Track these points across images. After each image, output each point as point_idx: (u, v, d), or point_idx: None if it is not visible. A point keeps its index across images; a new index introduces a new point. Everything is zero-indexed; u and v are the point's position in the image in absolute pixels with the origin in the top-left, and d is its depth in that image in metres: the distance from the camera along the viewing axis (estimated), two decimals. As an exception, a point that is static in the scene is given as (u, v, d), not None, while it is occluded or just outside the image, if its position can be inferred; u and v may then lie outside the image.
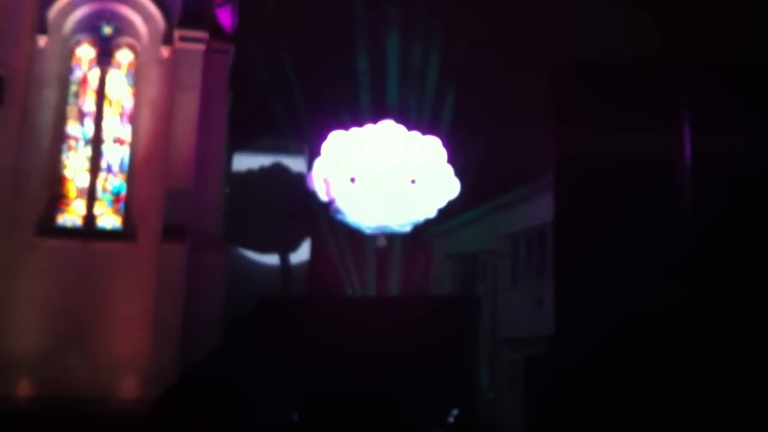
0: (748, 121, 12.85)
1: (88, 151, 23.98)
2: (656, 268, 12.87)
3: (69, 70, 24.20)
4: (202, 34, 24.27)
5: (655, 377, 12.73)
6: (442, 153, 24.59)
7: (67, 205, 23.73)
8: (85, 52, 24.41)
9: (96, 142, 23.96)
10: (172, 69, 24.15)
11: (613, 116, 12.90)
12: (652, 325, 12.95)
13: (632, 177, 12.93)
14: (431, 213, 24.99)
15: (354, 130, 24.59)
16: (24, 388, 21.68)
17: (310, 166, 25.80)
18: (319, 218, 27.11)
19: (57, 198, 23.58)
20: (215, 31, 24.86)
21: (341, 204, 24.39)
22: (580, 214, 13.16)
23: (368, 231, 25.53)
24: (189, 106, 23.88)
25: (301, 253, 32.24)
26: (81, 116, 24.22)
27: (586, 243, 13.15)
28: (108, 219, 23.76)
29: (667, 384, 12.73)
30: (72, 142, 24.05)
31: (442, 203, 24.89)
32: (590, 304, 13.17)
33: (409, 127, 24.77)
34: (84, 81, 24.36)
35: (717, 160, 12.76)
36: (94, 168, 23.85)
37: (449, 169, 24.65)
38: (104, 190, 23.94)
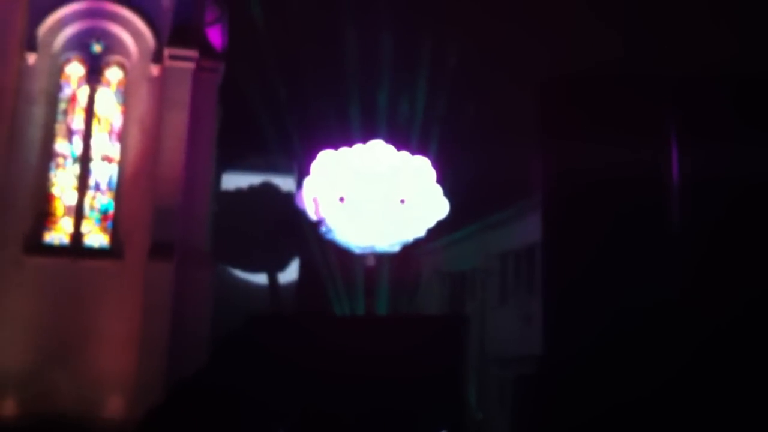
0: (735, 133, 12.94)
1: (76, 168, 23.92)
2: (646, 280, 12.90)
3: (58, 88, 24.16)
4: (191, 53, 24.25)
5: (642, 397, 12.73)
6: (432, 173, 24.59)
7: (55, 222, 23.60)
8: (75, 69, 24.39)
9: (84, 159, 23.89)
10: (161, 87, 24.12)
11: (602, 130, 12.97)
12: (641, 342, 12.94)
13: (622, 191, 12.97)
14: (420, 233, 24.94)
15: (343, 149, 24.55)
16: (9, 407, 21.43)
17: (299, 185, 25.72)
18: (308, 237, 27.04)
19: (44, 216, 23.45)
20: (205, 49, 24.93)
21: (330, 223, 24.31)
22: (572, 228, 13.18)
23: (357, 250, 25.46)
24: (178, 124, 23.84)
25: (290, 272, 32.17)
26: (69, 134, 24.15)
27: (577, 257, 13.16)
28: (95, 237, 23.64)
29: (654, 402, 12.73)
30: (60, 160, 23.98)
31: (431, 223, 24.86)
32: (580, 321, 13.16)
33: (399, 147, 24.77)
34: (73, 99, 24.31)
35: (705, 172, 12.83)
36: (82, 186, 23.76)
37: (438, 189, 24.65)
38: (92, 208, 23.84)
